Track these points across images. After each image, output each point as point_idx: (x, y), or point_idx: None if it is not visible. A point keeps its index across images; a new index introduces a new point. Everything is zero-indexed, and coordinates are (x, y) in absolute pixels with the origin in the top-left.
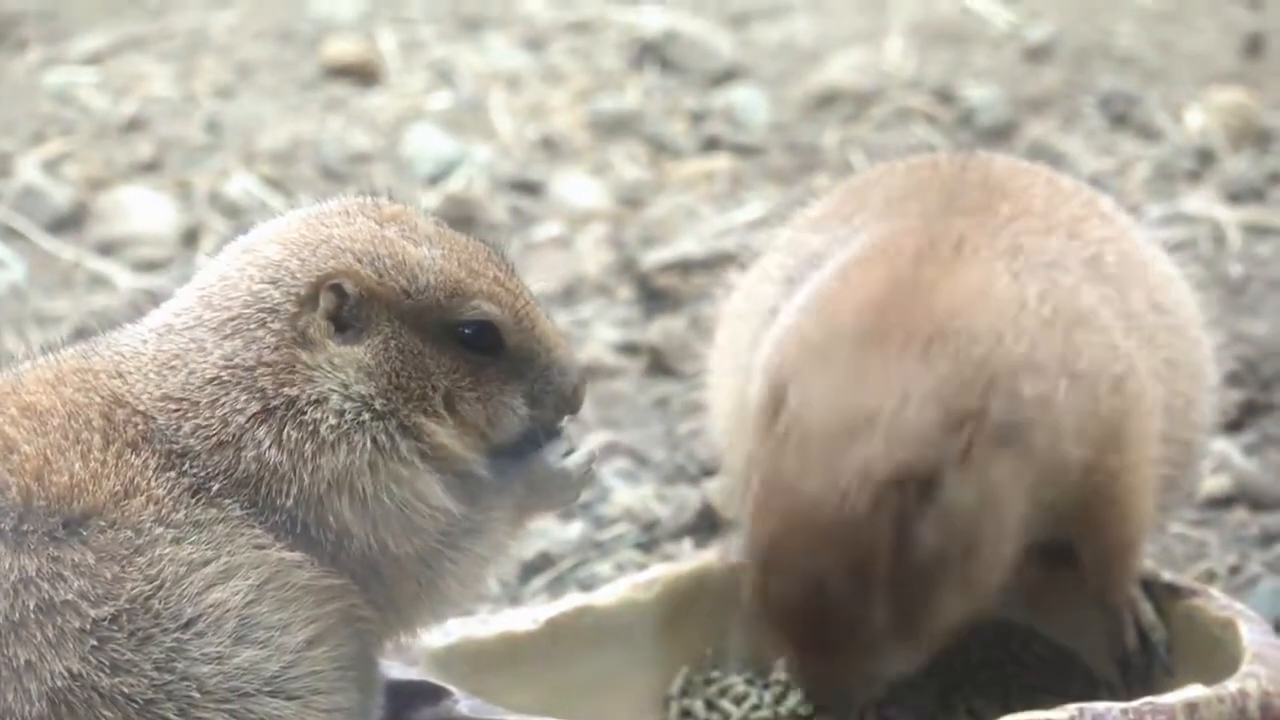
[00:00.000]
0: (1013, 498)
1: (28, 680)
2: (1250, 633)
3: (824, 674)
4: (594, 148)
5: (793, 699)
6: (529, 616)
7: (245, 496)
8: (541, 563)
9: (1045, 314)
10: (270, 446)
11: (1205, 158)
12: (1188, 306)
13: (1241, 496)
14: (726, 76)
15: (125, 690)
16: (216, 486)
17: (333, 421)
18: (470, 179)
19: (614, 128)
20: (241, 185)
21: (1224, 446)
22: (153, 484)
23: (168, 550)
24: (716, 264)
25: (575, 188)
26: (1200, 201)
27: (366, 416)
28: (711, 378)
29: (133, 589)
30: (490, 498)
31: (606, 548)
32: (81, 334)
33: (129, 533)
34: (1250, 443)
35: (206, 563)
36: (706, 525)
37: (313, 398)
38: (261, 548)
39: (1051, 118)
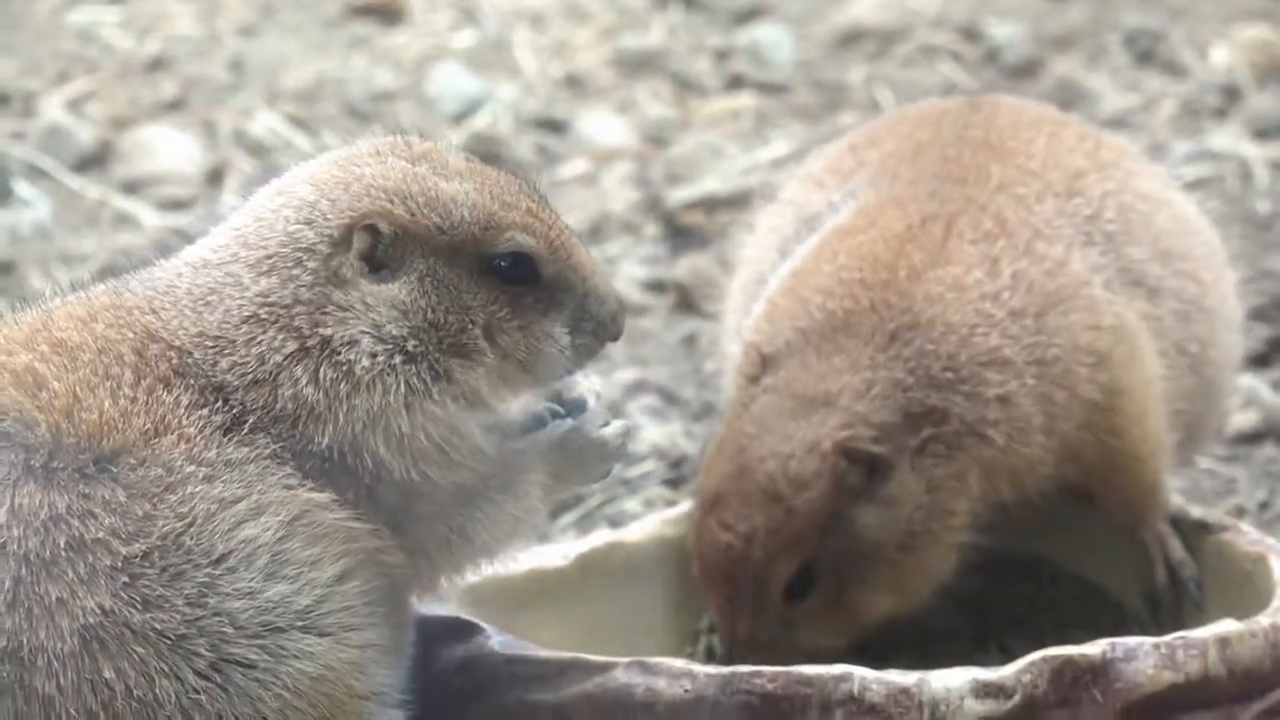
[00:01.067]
0: (959, 500)
1: (59, 617)
2: None
3: (738, 630)
4: (619, 86)
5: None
6: (559, 553)
7: (280, 433)
8: (570, 500)
9: (1016, 304)
10: (307, 385)
11: (1231, 94)
12: (1203, 248)
13: (1270, 432)
14: (751, 14)
15: (157, 626)
16: (250, 422)
17: (366, 363)
18: (495, 117)
19: (639, 66)
20: (266, 124)
21: (1252, 382)
22: (184, 422)
23: (199, 488)
24: (742, 202)
25: (600, 126)
26: (1226, 138)
27: (399, 360)
28: (725, 323)
29: (164, 526)
30: (527, 459)
31: (635, 484)
32: (107, 272)
33: (160, 470)
34: (1278, 378)
35: (237, 500)
36: None
37: (346, 338)
38: (290, 487)
39: (1076, 55)
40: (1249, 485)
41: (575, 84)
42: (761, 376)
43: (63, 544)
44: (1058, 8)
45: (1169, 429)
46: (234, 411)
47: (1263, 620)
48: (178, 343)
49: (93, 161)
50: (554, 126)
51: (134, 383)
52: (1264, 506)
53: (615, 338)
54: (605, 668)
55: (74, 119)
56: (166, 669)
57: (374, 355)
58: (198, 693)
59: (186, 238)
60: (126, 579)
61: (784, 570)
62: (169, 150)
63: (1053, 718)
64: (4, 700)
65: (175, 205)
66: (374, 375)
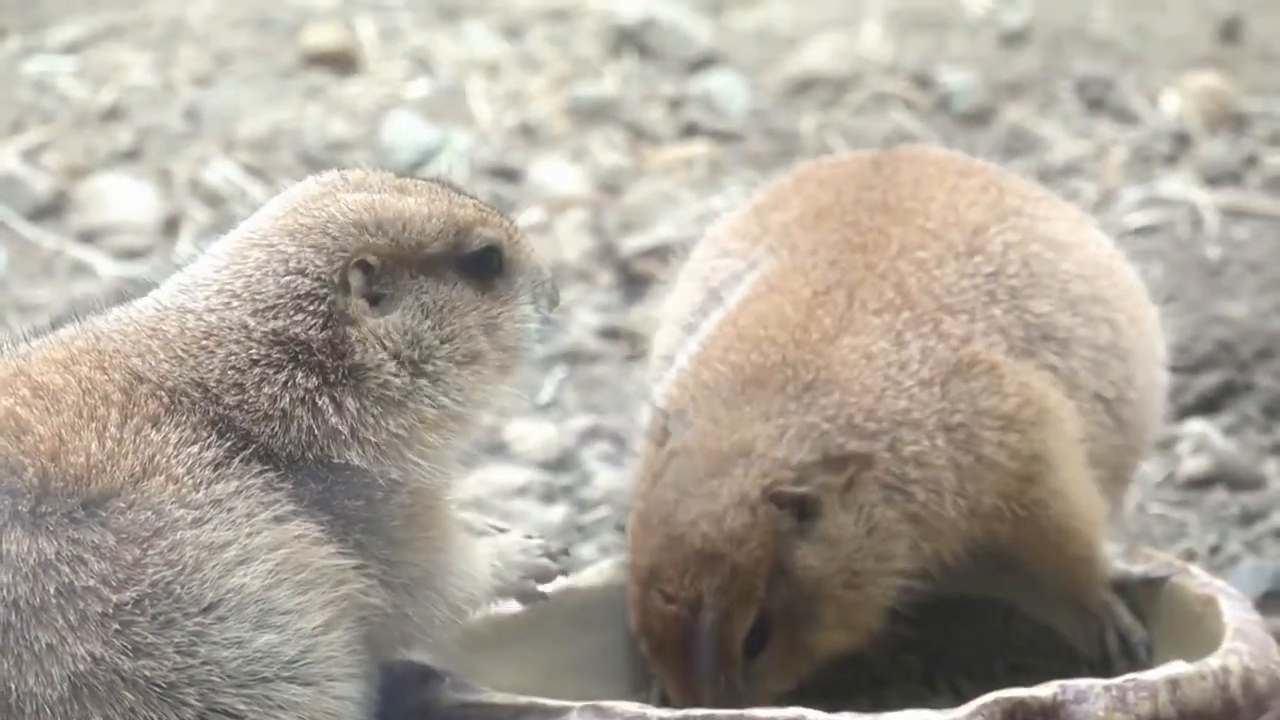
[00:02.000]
0: (897, 543)
1: (49, 664)
2: (1232, 609)
3: (695, 691)
4: (573, 134)
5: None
6: None
7: (281, 464)
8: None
9: (924, 374)
10: (332, 415)
11: (1182, 141)
12: (1116, 288)
13: (1221, 477)
14: (704, 63)
15: (147, 674)
16: (246, 454)
17: (397, 383)
18: (450, 166)
19: (593, 114)
20: (221, 173)
21: (1203, 427)
22: (172, 462)
23: (188, 534)
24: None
25: (554, 174)
26: (1177, 184)
27: (423, 382)
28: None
29: (154, 574)
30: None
31: (589, 530)
32: (60, 323)
33: (149, 514)
34: (1229, 424)
35: (226, 545)
36: None
37: (370, 366)
38: (281, 520)
39: (1028, 102)
40: (1200, 530)
41: (529, 133)
42: (666, 440)
43: (52, 590)
44: (1009, 55)
45: (1098, 496)
46: (228, 444)
47: (1212, 662)
48: (170, 384)
49: (48, 211)
50: (508, 175)
51: (120, 423)
52: (1214, 550)
53: (558, 302)
54: (560, 712)
55: (29, 169)
56: (156, 717)
57: (401, 379)
58: None
59: (142, 286)
60: (117, 626)
61: (740, 626)
62: (124, 200)
63: None
64: None
65: (131, 254)
66: (405, 396)
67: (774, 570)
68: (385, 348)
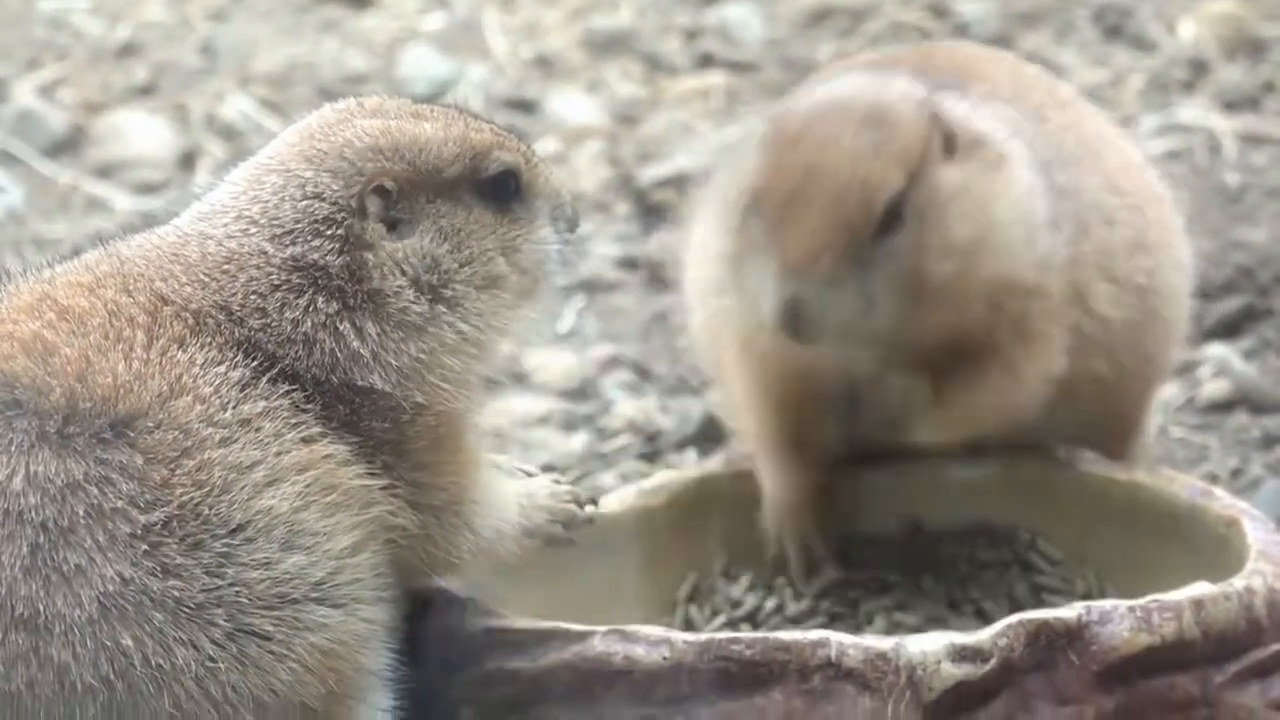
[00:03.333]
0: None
1: (78, 584)
2: (1255, 531)
3: (816, 253)
4: (589, 66)
5: (793, 606)
6: None
7: (307, 382)
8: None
9: None
10: (354, 339)
11: (1199, 68)
12: (1149, 189)
13: (1242, 400)
14: None
15: (176, 594)
16: (273, 373)
17: (417, 309)
18: (466, 98)
19: (608, 45)
20: (237, 108)
21: (1223, 351)
22: (199, 382)
23: (216, 453)
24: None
25: (571, 106)
26: (1195, 111)
27: (442, 307)
28: (687, 290)
29: (182, 495)
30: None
31: (610, 459)
32: (82, 251)
33: (177, 433)
34: (1249, 348)
35: (254, 466)
36: (710, 435)
37: (392, 289)
38: (310, 441)
39: (1045, 30)
40: (1221, 453)
41: (545, 64)
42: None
43: (81, 512)
44: None
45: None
46: (255, 364)
47: (1237, 583)
48: (194, 306)
49: (65, 147)
50: (525, 107)
51: (147, 344)
52: (1236, 474)
53: (578, 225)
54: (583, 636)
55: (45, 105)
56: (184, 638)
57: (420, 303)
58: (214, 661)
59: (157, 221)
60: (146, 547)
61: (880, 186)
62: (141, 135)
63: (1029, 681)
64: (18, 668)
65: (147, 189)
66: (425, 321)
67: (919, 166)
68: (404, 273)
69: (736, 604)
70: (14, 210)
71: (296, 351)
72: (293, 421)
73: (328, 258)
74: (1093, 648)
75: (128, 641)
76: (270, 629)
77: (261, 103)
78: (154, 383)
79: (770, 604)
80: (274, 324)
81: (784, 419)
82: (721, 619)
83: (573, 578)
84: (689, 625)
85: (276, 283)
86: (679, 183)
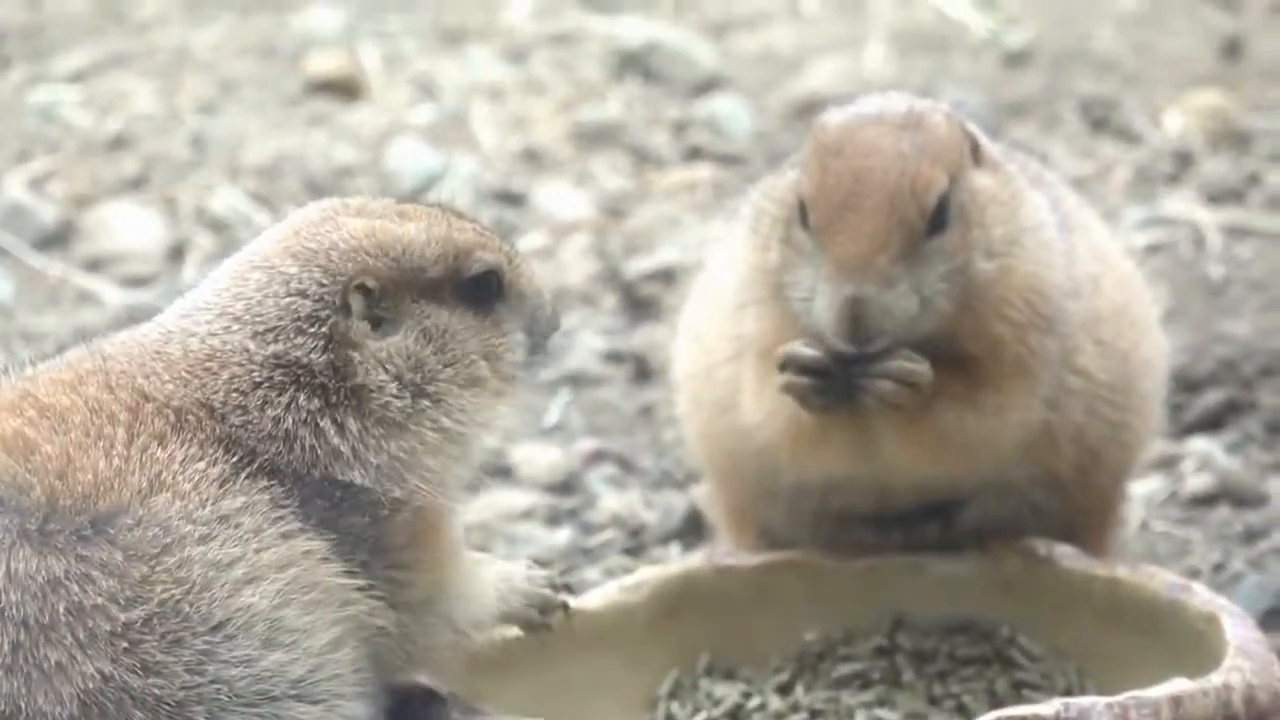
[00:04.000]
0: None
1: (59, 682)
2: (1234, 627)
3: (866, 257)
4: (577, 158)
5: (775, 702)
6: None
7: (286, 480)
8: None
9: None
10: (334, 436)
11: (1184, 160)
12: (1128, 268)
13: (1224, 494)
14: (708, 86)
15: (156, 692)
16: (251, 469)
17: (398, 405)
18: (454, 191)
19: (596, 138)
20: (227, 200)
21: (1206, 445)
22: (179, 478)
23: (196, 550)
24: (700, 272)
25: (558, 198)
26: (1180, 203)
27: (425, 403)
28: (675, 351)
29: (163, 592)
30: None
31: (595, 553)
32: (66, 350)
33: (157, 530)
34: (1232, 441)
35: (234, 563)
36: (694, 530)
37: (375, 385)
38: (289, 537)
39: (1031, 122)
40: (1204, 547)
41: (533, 157)
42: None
43: (62, 610)
44: (1012, 76)
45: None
46: (234, 460)
47: (1215, 679)
48: (175, 404)
49: (54, 240)
50: (512, 199)
51: (127, 441)
52: (1218, 568)
53: (558, 328)
54: None
55: (35, 198)
56: None
57: (403, 401)
58: None
59: (148, 314)
60: (126, 644)
61: (936, 184)
62: (130, 228)
63: None
64: None
65: (137, 282)
66: (406, 418)
67: (958, 172)
68: (387, 370)
69: (718, 701)
70: (3, 303)
71: (277, 448)
72: (272, 516)
73: (311, 355)
74: None
75: None
76: None
77: (251, 195)
78: (134, 479)
79: (753, 702)
80: (255, 421)
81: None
82: (703, 716)
83: (555, 673)
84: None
85: (258, 380)
86: (666, 276)
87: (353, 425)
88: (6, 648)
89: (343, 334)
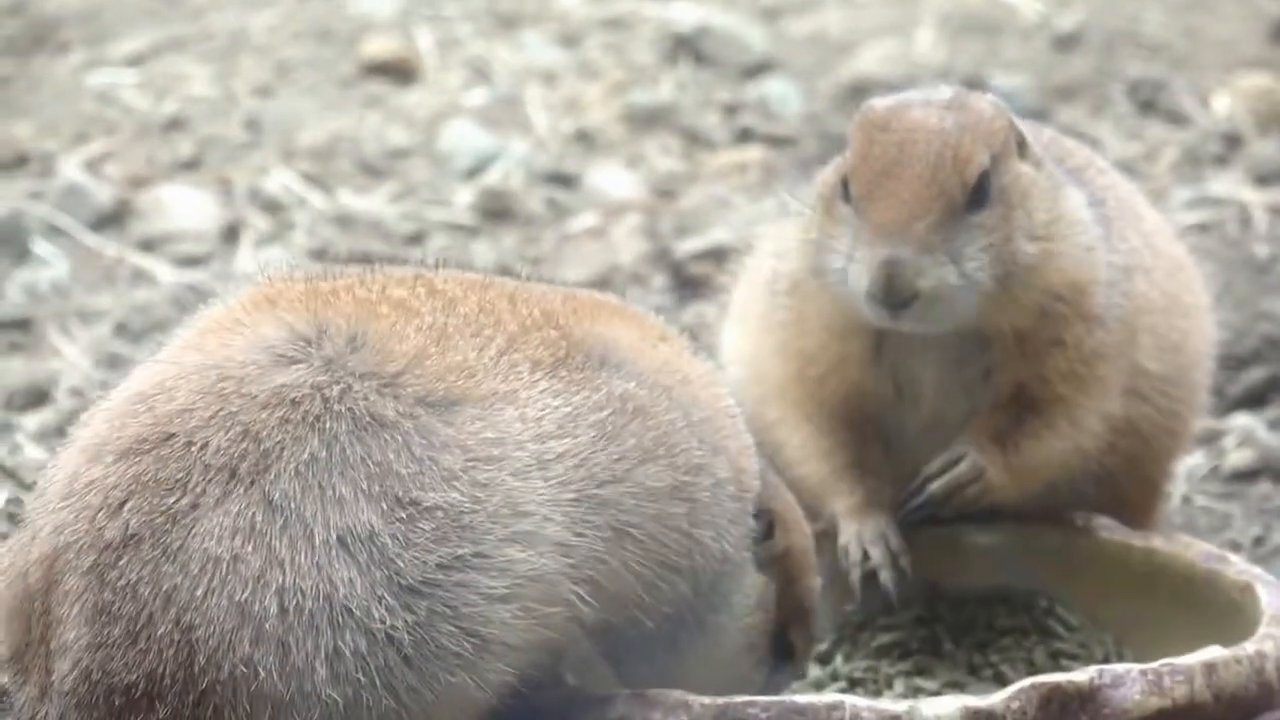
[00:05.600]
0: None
1: (331, 509)
2: (1268, 596)
3: (909, 219)
4: (628, 140)
5: (813, 671)
6: None
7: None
8: None
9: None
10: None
11: (1232, 141)
12: (1180, 255)
13: (1265, 470)
14: (759, 69)
15: (402, 565)
16: (606, 422)
17: None
18: (507, 173)
19: (648, 120)
20: (281, 181)
21: (1248, 421)
22: (532, 401)
23: (505, 479)
24: (750, 252)
25: (610, 180)
26: (1227, 184)
27: None
28: (724, 332)
29: (457, 496)
30: None
31: None
32: (124, 329)
33: (490, 435)
34: (1274, 418)
35: (525, 516)
36: None
37: None
38: (580, 532)
39: (1081, 105)
40: (1244, 521)
41: (586, 139)
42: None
43: (373, 456)
44: (1062, 59)
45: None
46: (598, 406)
47: (1248, 647)
48: (577, 338)
49: (110, 220)
50: (565, 181)
51: (504, 348)
52: (1258, 542)
53: None
54: (604, 701)
55: (92, 179)
56: (389, 598)
57: None
58: (396, 634)
59: (202, 294)
60: (405, 515)
61: (970, 160)
62: (185, 208)
63: None
64: (235, 539)
65: (191, 262)
66: None
67: (1001, 155)
68: None
69: None
70: (60, 283)
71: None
72: (567, 497)
73: None
74: (1105, 711)
75: (344, 576)
76: (451, 649)
77: (305, 177)
78: (494, 383)
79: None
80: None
81: (845, 440)
82: None
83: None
84: None
85: None
86: (716, 255)
87: None
88: (306, 456)
89: None
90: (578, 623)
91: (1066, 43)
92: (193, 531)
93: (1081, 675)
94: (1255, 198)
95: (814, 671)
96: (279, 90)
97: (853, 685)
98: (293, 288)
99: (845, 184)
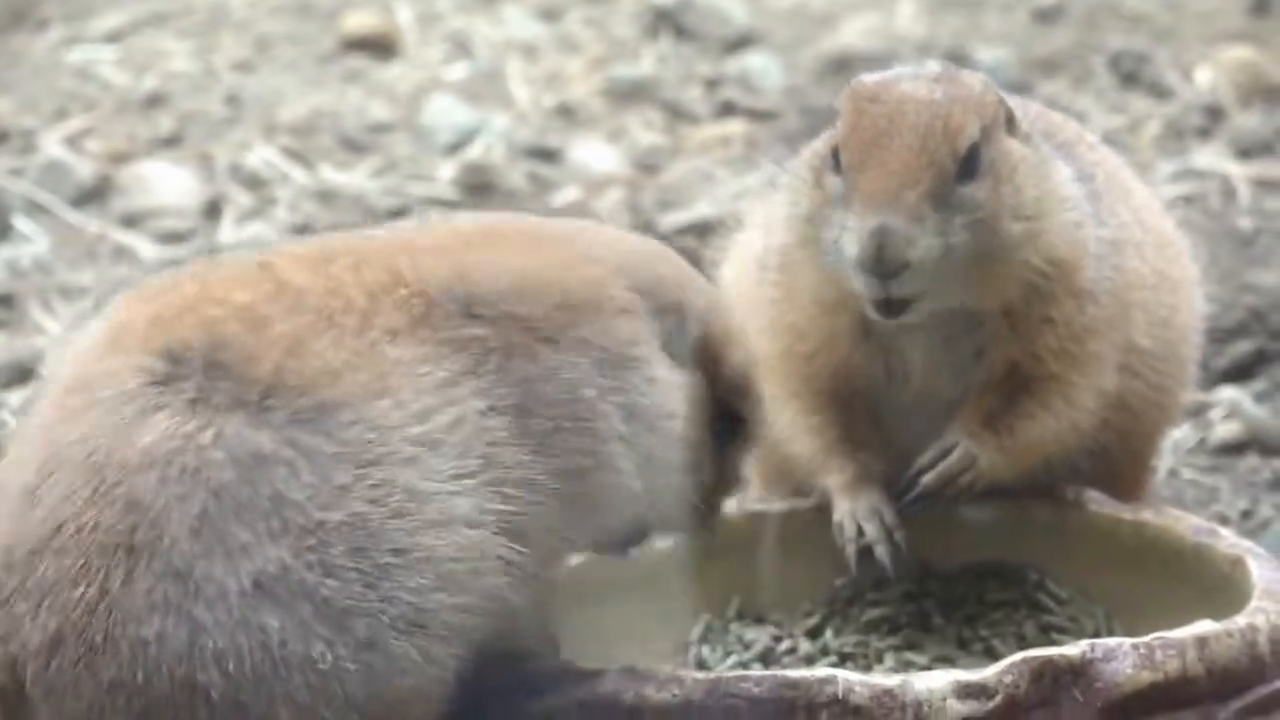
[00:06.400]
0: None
1: (239, 558)
2: (1259, 569)
3: (899, 186)
4: (610, 114)
5: (805, 646)
6: None
7: (514, 402)
8: None
9: None
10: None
11: (1214, 114)
12: (1169, 229)
13: (1252, 442)
14: (740, 43)
15: (326, 593)
16: (474, 376)
17: None
18: (489, 147)
19: (630, 94)
20: (262, 157)
21: (1235, 394)
22: (403, 386)
23: (400, 474)
24: (733, 225)
25: (593, 154)
26: (1210, 157)
27: None
28: None
29: (358, 506)
30: None
31: None
32: (106, 305)
33: (372, 436)
34: (1261, 390)
35: (429, 499)
36: None
37: None
38: (489, 472)
39: (1063, 78)
40: (1231, 495)
41: (567, 113)
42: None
43: (263, 493)
44: (1044, 31)
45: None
46: (464, 366)
47: (1240, 620)
48: (426, 289)
49: (91, 196)
50: (547, 155)
51: (359, 329)
52: (1246, 515)
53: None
54: (595, 675)
55: (73, 155)
56: (323, 635)
57: None
58: (342, 664)
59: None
60: (314, 542)
61: (960, 130)
62: (167, 184)
63: (1034, 717)
64: (155, 617)
65: (173, 238)
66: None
67: (992, 128)
68: None
69: (748, 644)
70: (41, 259)
71: (516, 364)
72: (481, 433)
73: None
74: (1097, 684)
75: (272, 622)
76: (398, 651)
77: (286, 152)
78: (361, 375)
79: (783, 645)
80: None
81: (835, 417)
82: (733, 659)
83: (588, 618)
84: (701, 665)
85: None
86: (699, 229)
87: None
88: (196, 511)
89: None
90: (520, 574)
91: (1048, 15)
92: (112, 619)
93: (1073, 649)
94: (1238, 170)
95: (804, 646)
96: (259, 66)
97: (843, 660)
98: (138, 317)
99: (835, 156)
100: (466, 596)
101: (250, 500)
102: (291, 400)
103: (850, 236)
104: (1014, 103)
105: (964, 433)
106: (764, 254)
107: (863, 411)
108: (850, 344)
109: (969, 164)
